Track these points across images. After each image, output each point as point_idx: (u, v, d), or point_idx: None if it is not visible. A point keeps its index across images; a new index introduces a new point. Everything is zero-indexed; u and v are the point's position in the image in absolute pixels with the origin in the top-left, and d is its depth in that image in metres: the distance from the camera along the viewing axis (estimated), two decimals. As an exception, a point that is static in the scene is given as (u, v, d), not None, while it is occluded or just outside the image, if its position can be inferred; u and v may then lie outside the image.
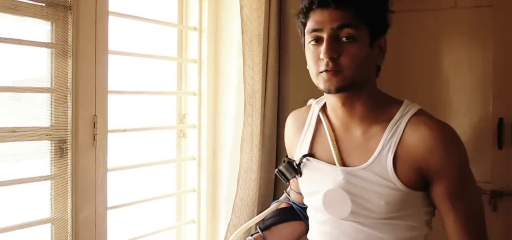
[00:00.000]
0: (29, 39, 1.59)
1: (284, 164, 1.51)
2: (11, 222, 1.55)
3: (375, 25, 1.33)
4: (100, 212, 1.76)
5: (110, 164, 1.80)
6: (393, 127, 1.33)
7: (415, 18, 3.08)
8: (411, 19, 3.06)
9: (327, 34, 1.28)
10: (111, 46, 1.79)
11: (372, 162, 1.33)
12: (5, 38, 1.52)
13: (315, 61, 1.32)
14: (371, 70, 1.38)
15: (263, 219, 1.73)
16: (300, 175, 1.49)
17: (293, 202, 1.70)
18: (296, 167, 1.48)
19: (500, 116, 2.87)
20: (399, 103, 1.39)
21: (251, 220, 1.91)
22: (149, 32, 2.14)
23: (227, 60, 2.25)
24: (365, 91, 1.36)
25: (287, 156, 1.58)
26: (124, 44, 1.97)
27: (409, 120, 1.33)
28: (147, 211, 2.15)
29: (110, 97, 1.79)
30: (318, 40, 1.31)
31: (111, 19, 1.79)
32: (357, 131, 1.39)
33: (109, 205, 1.80)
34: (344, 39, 1.28)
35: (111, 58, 1.79)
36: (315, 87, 1.39)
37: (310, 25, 1.33)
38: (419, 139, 1.30)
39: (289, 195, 1.73)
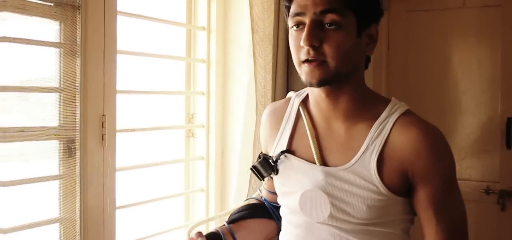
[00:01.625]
0: (37, 39, 1.59)
1: (259, 160, 1.37)
2: (19, 221, 1.56)
3: (363, 13, 1.21)
4: (108, 212, 1.76)
5: (119, 163, 1.81)
6: (379, 126, 1.23)
7: (423, 17, 3.06)
8: (419, 19, 3.05)
9: (309, 19, 1.18)
10: (120, 45, 1.79)
11: (354, 163, 1.23)
12: (14, 38, 1.52)
13: (297, 48, 1.21)
14: (358, 61, 1.26)
15: (230, 214, 1.56)
16: (276, 173, 1.35)
17: (265, 200, 1.55)
18: (272, 164, 1.35)
19: (508, 116, 2.86)
20: (386, 101, 1.28)
21: (211, 216, 1.76)
22: (157, 32, 2.14)
23: (236, 60, 2.24)
24: (351, 84, 1.25)
25: (262, 152, 1.44)
26: (133, 44, 1.97)
27: (396, 120, 1.23)
28: (155, 211, 2.14)
29: (119, 97, 1.79)
30: (300, 26, 1.21)
31: (120, 19, 1.79)
32: (340, 128, 1.28)
33: (117, 204, 1.80)
34: (327, 25, 1.17)
35: (119, 57, 1.79)
36: None
37: (293, 8, 1.22)
38: (406, 140, 1.20)
39: (261, 192, 1.59)
